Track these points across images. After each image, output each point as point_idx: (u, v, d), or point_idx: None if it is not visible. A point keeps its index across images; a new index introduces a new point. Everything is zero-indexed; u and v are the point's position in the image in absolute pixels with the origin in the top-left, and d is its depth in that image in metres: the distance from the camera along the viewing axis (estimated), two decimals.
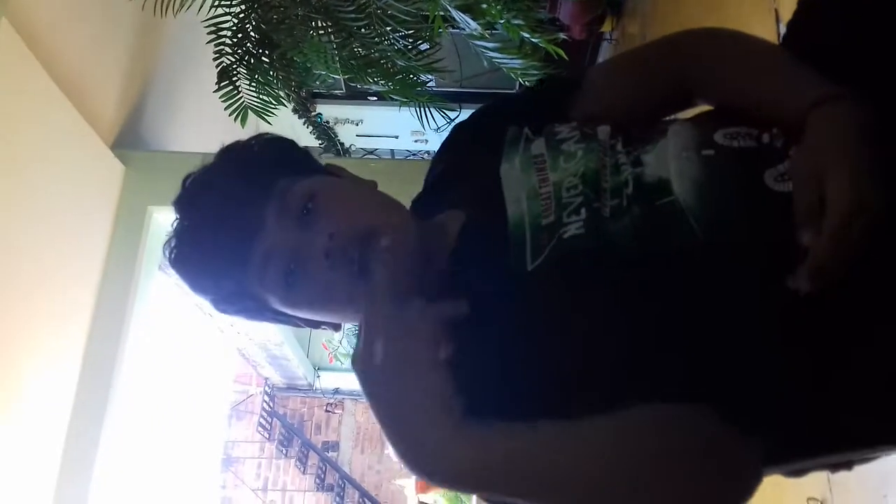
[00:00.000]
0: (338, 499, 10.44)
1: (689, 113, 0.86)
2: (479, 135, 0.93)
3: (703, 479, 0.68)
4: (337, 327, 0.88)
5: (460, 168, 0.92)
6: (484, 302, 0.75)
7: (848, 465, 0.77)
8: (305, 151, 0.90)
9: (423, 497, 3.36)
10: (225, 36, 2.38)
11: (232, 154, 0.87)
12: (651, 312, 0.70)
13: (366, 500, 10.43)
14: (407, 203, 0.96)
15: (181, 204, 0.84)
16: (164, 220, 2.94)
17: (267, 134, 0.89)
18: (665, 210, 0.71)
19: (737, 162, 0.75)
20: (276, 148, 0.88)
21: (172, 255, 0.83)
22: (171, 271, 0.85)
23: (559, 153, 0.80)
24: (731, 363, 0.67)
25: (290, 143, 0.90)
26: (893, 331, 0.65)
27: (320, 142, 4.69)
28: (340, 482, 10.55)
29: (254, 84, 2.44)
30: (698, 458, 0.68)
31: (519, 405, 0.69)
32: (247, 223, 0.78)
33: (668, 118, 0.86)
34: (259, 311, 0.85)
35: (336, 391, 9.89)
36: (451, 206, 0.86)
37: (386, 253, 0.76)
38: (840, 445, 0.72)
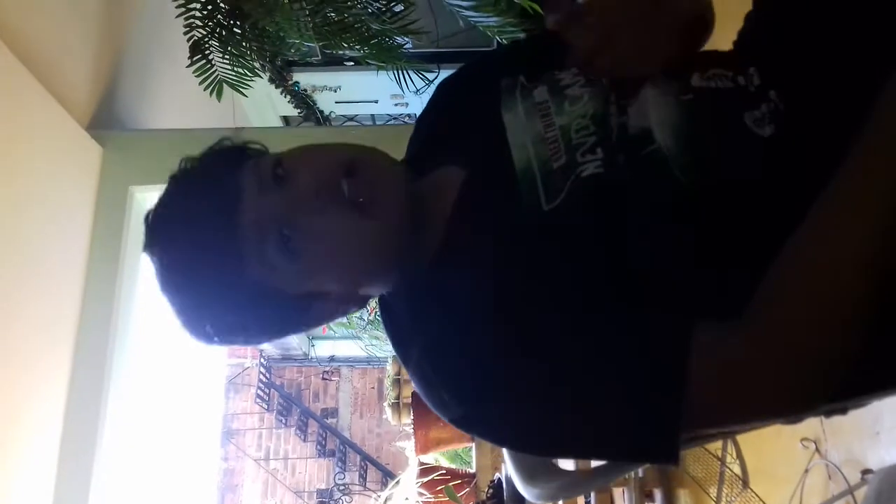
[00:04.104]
0: (340, 464, 10.54)
1: None
2: (468, 89, 0.92)
3: None
4: (364, 301, 0.83)
5: (451, 124, 0.90)
6: (501, 248, 0.74)
7: (843, 411, 0.78)
8: (248, 144, 0.85)
9: (423, 458, 3.39)
10: (194, 8, 2.33)
11: (182, 172, 0.81)
12: (653, 252, 0.70)
13: (367, 463, 10.53)
14: None
15: (154, 240, 0.78)
16: (146, 199, 2.91)
17: (207, 149, 0.84)
18: (649, 159, 0.71)
19: (716, 103, 0.75)
20: (223, 148, 0.83)
21: (170, 291, 0.78)
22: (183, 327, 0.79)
23: (563, 98, 0.80)
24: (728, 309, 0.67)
25: (233, 144, 0.85)
26: None
27: (299, 111, 4.63)
28: (341, 447, 10.64)
29: (227, 56, 2.40)
30: None
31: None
32: (224, 208, 0.74)
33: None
34: (277, 309, 0.79)
35: (331, 359, 9.92)
36: (446, 163, 0.85)
37: (378, 177, 0.75)
38: (846, 392, 0.72)
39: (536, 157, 0.76)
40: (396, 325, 0.83)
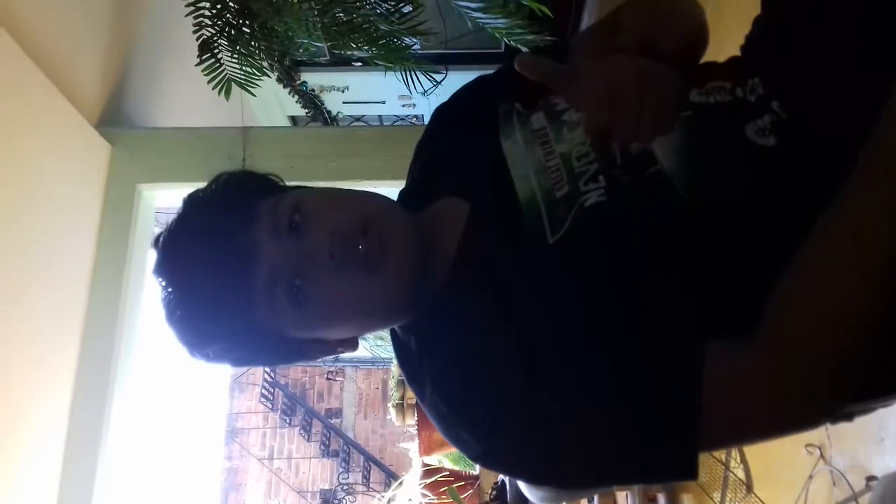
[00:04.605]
0: (343, 464, 10.55)
1: None
2: (465, 116, 0.92)
3: None
4: (354, 345, 0.84)
5: (450, 152, 0.90)
6: (509, 281, 0.74)
7: (849, 417, 0.78)
8: (267, 176, 0.86)
9: (427, 459, 3.39)
10: (204, 7, 2.34)
11: (198, 198, 0.81)
12: (661, 274, 0.70)
13: (371, 463, 10.54)
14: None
15: (165, 263, 0.78)
16: (153, 197, 2.92)
17: (224, 172, 0.84)
18: (652, 180, 0.71)
19: (716, 118, 0.75)
20: (241, 178, 0.84)
21: (172, 314, 0.77)
22: (174, 337, 0.79)
23: (561, 124, 0.79)
24: (738, 322, 0.66)
25: (251, 172, 0.86)
26: None
27: (307, 111, 4.63)
28: (345, 448, 10.66)
29: (236, 56, 2.40)
30: None
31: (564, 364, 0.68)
32: (241, 249, 0.74)
33: None
34: (274, 347, 0.80)
35: (336, 359, 9.92)
36: (447, 194, 0.85)
37: (390, 236, 0.74)
38: (853, 399, 0.72)
39: (540, 187, 0.76)
40: (409, 360, 0.83)
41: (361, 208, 0.77)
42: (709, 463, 2.75)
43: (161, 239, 0.79)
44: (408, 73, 2.58)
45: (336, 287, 0.74)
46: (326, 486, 10.63)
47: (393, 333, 0.87)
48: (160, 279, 0.78)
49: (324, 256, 0.73)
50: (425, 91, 2.63)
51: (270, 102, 4.74)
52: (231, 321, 0.76)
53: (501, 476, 2.94)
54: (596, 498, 3.06)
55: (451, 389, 0.73)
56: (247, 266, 0.74)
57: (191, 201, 0.81)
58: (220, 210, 0.78)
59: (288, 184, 0.87)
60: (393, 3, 2.39)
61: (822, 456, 2.31)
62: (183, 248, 0.77)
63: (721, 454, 2.73)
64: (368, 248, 0.74)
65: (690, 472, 0.64)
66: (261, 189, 0.82)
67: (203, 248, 0.75)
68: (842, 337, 0.62)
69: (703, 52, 0.86)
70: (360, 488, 10.25)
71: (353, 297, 0.75)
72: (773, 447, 2.63)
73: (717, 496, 2.73)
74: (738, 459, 2.68)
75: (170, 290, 0.77)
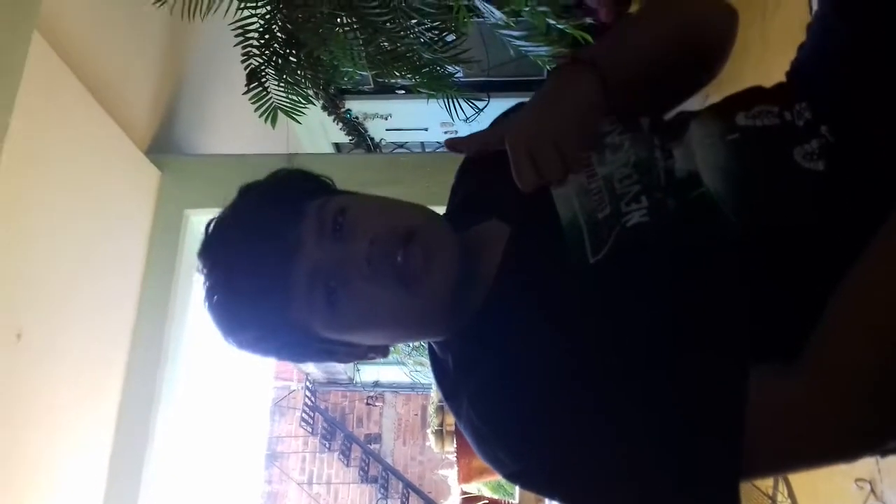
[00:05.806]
0: (382, 490, 10.50)
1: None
2: None
3: None
4: (385, 352, 0.85)
5: (491, 176, 0.90)
6: (549, 300, 0.74)
7: None
8: (322, 178, 0.89)
9: (465, 487, 3.36)
10: (252, 37, 2.39)
11: (252, 190, 0.84)
12: (707, 297, 0.69)
13: (410, 490, 10.48)
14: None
15: (211, 247, 0.81)
16: (200, 222, 2.97)
17: (282, 169, 0.87)
18: (698, 203, 0.71)
19: (763, 142, 0.74)
20: (296, 177, 0.87)
21: (211, 298, 0.80)
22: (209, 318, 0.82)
23: (603, 147, 0.79)
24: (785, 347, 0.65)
25: (307, 172, 0.89)
26: None
27: (351, 138, 4.69)
28: (384, 474, 10.61)
29: (282, 84, 2.44)
30: None
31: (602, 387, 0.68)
32: (285, 245, 0.76)
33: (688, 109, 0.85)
34: (304, 343, 0.82)
35: (376, 384, 9.94)
36: (489, 216, 0.86)
37: (434, 250, 0.76)
38: None
39: (581, 209, 0.76)
40: (446, 378, 0.84)
41: (407, 219, 0.79)
42: (754, 496, 2.68)
43: (211, 225, 0.82)
44: (450, 100, 2.59)
45: (369, 294, 0.76)
46: None
47: (431, 351, 0.87)
48: (204, 264, 0.81)
49: (361, 262, 0.75)
50: (467, 118, 2.64)
51: (315, 130, 4.81)
52: (266, 313, 0.78)
53: None
54: None
55: (487, 406, 0.73)
56: (288, 262, 0.76)
57: (245, 193, 0.84)
58: (270, 205, 0.80)
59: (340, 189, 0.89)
60: (436, 32, 2.41)
61: (872, 491, 2.24)
62: (229, 237, 0.80)
63: (768, 487, 2.66)
64: (408, 259, 0.75)
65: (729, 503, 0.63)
66: (313, 189, 0.84)
67: (248, 239, 0.77)
68: (890, 366, 0.61)
69: (720, 61, 0.87)
70: None
71: (385, 306, 0.77)
72: (823, 481, 2.56)
73: None
74: (786, 493, 2.61)
75: (212, 275, 0.80)
